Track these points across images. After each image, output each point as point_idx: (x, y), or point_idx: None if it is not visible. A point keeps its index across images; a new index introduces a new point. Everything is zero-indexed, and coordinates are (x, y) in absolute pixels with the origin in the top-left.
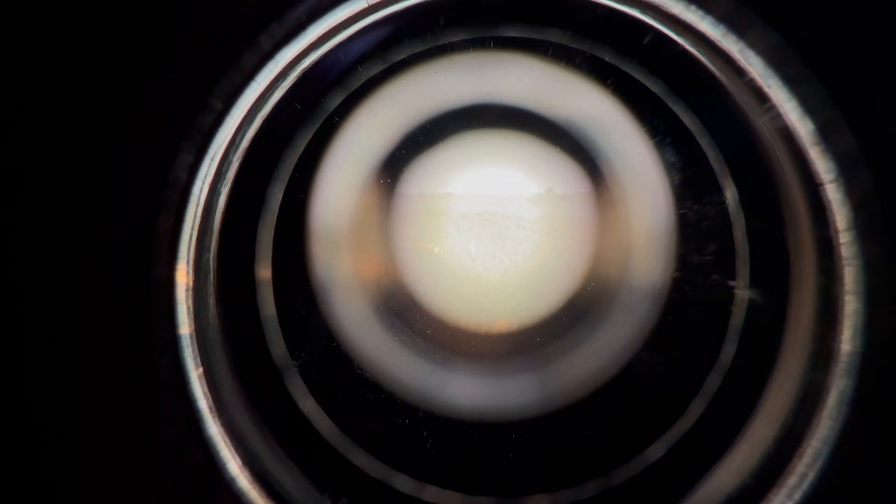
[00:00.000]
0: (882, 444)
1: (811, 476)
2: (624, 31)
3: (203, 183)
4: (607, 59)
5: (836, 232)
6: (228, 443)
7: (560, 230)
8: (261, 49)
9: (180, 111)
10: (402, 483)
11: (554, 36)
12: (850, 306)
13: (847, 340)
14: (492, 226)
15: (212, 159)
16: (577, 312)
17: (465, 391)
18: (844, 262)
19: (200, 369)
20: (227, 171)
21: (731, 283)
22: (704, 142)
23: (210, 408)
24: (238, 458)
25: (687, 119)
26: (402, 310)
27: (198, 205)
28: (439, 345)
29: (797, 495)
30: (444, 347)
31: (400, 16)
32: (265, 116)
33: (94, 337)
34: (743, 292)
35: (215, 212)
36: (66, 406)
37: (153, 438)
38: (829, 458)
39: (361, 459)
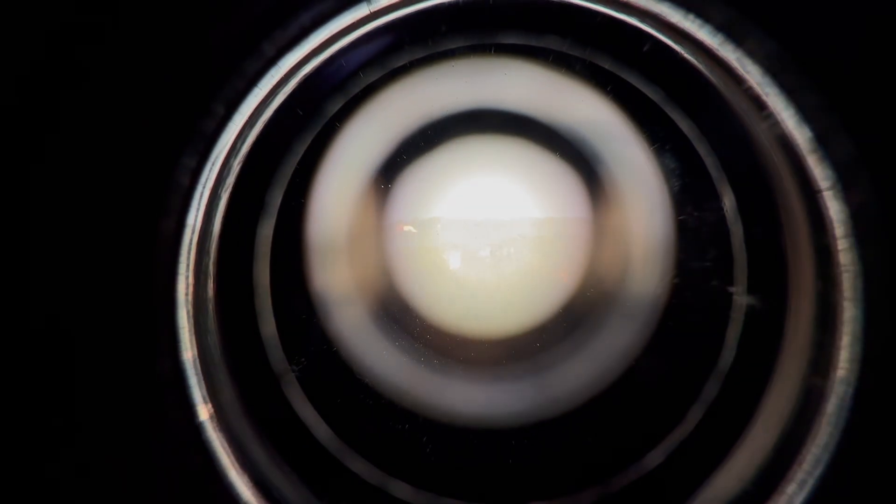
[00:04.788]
0: (881, 450)
1: (811, 482)
2: (623, 39)
3: (204, 187)
4: (607, 67)
5: (834, 238)
6: (227, 448)
7: (559, 236)
8: (264, 55)
9: (184, 115)
10: (400, 490)
11: (554, 43)
12: (849, 312)
13: (846, 346)
14: (490, 231)
15: (213, 164)
16: (576, 318)
17: (463, 398)
18: (842, 268)
19: (200, 375)
20: (227, 175)
21: (731, 288)
22: (703, 149)
23: (210, 414)
24: (237, 464)
25: (685, 126)
26: (400, 315)
27: (198, 209)
28: (438, 351)
29: (797, 501)
30: (442, 353)
31: (402, 22)
32: (266, 121)
33: (95, 343)
34: (742, 298)
35: (215, 216)
36: (68, 412)
37: (153, 444)
38: (829, 464)
39: (359, 466)
